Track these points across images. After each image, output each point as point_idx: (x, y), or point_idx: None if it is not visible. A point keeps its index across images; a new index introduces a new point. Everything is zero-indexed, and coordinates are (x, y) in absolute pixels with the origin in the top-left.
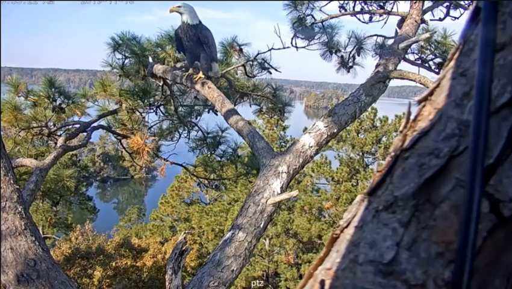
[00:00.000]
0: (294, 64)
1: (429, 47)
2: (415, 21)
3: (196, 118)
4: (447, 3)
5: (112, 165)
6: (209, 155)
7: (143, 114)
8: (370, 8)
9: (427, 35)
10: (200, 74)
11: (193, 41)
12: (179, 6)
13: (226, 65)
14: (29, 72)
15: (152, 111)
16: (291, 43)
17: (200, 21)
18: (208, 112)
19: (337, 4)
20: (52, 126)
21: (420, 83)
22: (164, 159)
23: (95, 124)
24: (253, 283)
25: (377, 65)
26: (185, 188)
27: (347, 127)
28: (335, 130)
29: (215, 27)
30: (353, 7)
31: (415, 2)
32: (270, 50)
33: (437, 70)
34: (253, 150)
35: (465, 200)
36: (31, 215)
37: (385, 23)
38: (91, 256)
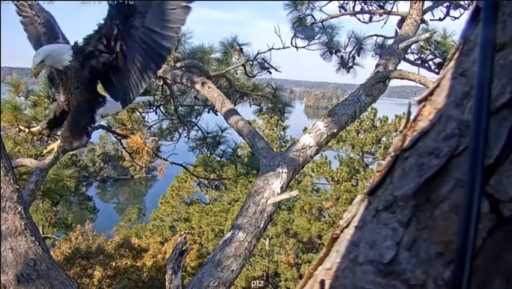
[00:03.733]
0: (294, 64)
1: (429, 47)
2: (415, 21)
3: (196, 118)
4: (447, 3)
5: (112, 165)
6: (209, 155)
7: (142, 114)
8: (370, 8)
9: (427, 35)
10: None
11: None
12: (42, 61)
13: (226, 65)
14: (29, 72)
15: (152, 110)
16: (291, 43)
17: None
18: (208, 112)
19: (337, 4)
20: None
21: (420, 83)
22: (164, 159)
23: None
24: (253, 283)
25: (377, 65)
26: (185, 188)
27: (347, 127)
28: (335, 130)
29: (215, 27)
30: (353, 7)
31: (415, 2)
32: (270, 50)
33: (436, 70)
34: (253, 150)
35: (465, 200)
36: (30, 215)
37: (385, 23)
38: (91, 256)
